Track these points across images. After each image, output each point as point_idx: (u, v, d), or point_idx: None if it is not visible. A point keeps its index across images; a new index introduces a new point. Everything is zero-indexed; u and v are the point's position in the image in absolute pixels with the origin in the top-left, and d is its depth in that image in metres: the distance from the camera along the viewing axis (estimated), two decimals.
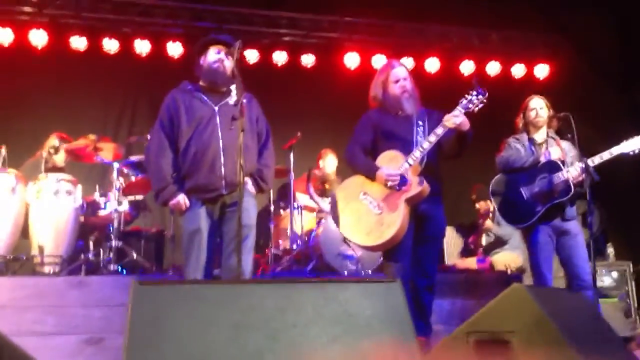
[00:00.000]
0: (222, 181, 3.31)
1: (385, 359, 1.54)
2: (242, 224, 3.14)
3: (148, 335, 1.44)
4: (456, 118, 3.34)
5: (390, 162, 3.47)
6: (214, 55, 3.47)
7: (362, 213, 3.44)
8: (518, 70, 8.09)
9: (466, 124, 3.39)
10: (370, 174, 3.48)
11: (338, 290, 1.68)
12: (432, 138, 3.40)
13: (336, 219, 3.54)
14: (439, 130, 3.40)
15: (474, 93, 3.41)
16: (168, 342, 1.45)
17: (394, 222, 3.31)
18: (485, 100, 3.41)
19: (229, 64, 3.41)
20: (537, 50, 8.06)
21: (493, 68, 8.01)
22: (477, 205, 6.43)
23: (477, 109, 3.41)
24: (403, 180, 3.38)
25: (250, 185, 3.46)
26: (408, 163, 3.41)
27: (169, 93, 3.55)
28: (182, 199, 3.32)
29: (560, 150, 4.07)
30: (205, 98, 3.44)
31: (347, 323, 1.63)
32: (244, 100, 3.09)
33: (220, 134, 3.33)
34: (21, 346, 3.80)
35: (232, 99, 3.31)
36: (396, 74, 3.64)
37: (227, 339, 1.48)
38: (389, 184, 3.39)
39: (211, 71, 3.45)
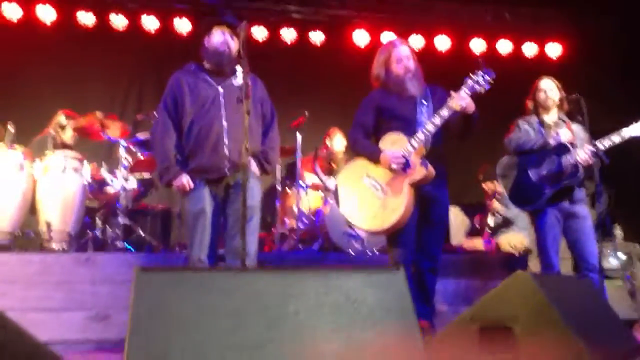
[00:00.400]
0: (226, 162, 3.31)
1: (388, 347, 1.54)
2: (247, 205, 3.20)
3: (150, 321, 1.45)
4: (462, 100, 3.26)
5: (394, 145, 3.40)
6: (218, 36, 3.42)
7: (365, 197, 3.39)
8: (530, 49, 7.96)
9: (471, 106, 3.32)
10: (374, 157, 3.42)
11: (341, 279, 1.67)
12: (437, 120, 3.31)
13: (339, 203, 3.51)
14: (444, 112, 3.30)
15: (480, 73, 3.31)
16: (170, 329, 1.46)
17: (398, 206, 3.27)
18: (492, 82, 3.31)
19: (234, 45, 3.39)
20: (550, 28, 7.91)
21: (504, 46, 7.89)
22: (484, 186, 6.40)
23: (483, 90, 3.31)
24: (407, 163, 3.33)
25: (254, 167, 3.46)
26: (412, 145, 3.33)
27: (173, 74, 3.53)
28: (185, 179, 3.31)
29: (570, 132, 4.02)
30: (210, 79, 3.42)
31: (350, 311, 1.62)
32: (249, 82, 3.05)
33: (224, 114, 3.32)
34: (29, 321, 3.86)
35: (237, 80, 3.30)
36: (399, 53, 3.54)
37: (228, 326, 1.48)
38: (394, 166, 3.33)
39: (216, 53, 3.40)
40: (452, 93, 3.33)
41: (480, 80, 3.30)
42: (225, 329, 1.47)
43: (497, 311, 1.95)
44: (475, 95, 3.34)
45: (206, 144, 3.31)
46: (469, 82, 3.32)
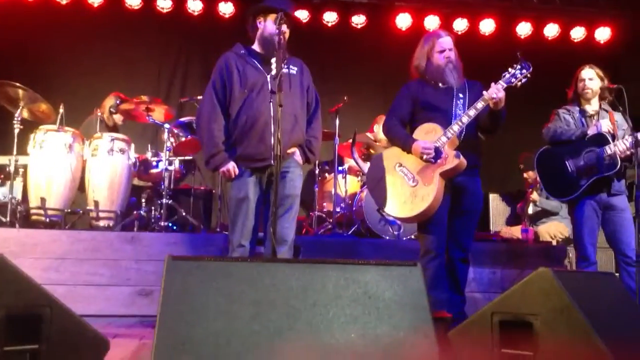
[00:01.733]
0: (271, 151, 3.22)
1: (401, 342, 1.61)
2: (287, 194, 3.31)
3: (177, 306, 1.56)
4: (496, 92, 3.28)
5: (427, 135, 3.45)
6: (274, 26, 3.28)
7: (397, 184, 3.46)
8: (577, 34, 7.73)
9: (502, 102, 3.33)
10: (406, 146, 3.47)
11: (359, 272, 1.75)
12: (472, 112, 3.36)
13: (371, 190, 3.57)
14: (479, 105, 3.35)
15: (518, 67, 3.34)
16: (195, 315, 1.57)
17: (427, 195, 3.32)
18: (529, 75, 3.34)
19: (287, 35, 3.37)
20: (600, 10, 7.64)
21: (551, 30, 7.69)
22: (525, 175, 6.33)
23: (520, 83, 3.35)
24: (438, 154, 3.37)
25: (297, 155, 3.47)
26: (446, 137, 3.38)
27: (222, 56, 3.49)
28: (232, 166, 3.34)
29: (611, 123, 3.95)
30: (259, 65, 3.40)
31: (366, 304, 1.69)
32: (294, 69, 3.07)
33: (271, 103, 3.27)
34: (78, 295, 4.08)
35: (288, 69, 3.31)
36: (442, 43, 3.57)
37: (249, 315, 1.58)
38: (424, 157, 3.38)
39: (273, 41, 3.26)
40: (492, 85, 3.34)
41: (517, 73, 3.34)
42: (246, 316, 1.58)
43: (518, 307, 1.98)
44: (511, 88, 3.35)
45: (253, 133, 3.32)
46: (507, 75, 3.35)
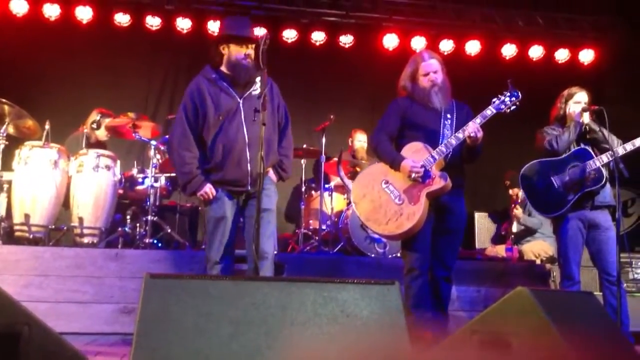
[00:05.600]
0: (249, 177, 3.38)
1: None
2: (264, 208, 3.29)
3: (155, 326, 1.56)
4: (478, 133, 3.38)
5: (415, 154, 3.48)
6: (239, 48, 3.41)
7: (382, 201, 3.48)
8: (562, 55, 7.88)
9: (479, 140, 3.41)
10: (395, 163, 3.49)
11: (337, 290, 1.76)
12: (460, 135, 3.41)
13: (356, 205, 3.59)
14: (467, 131, 3.41)
15: (508, 94, 3.44)
16: (173, 334, 1.57)
17: (413, 214, 3.34)
18: (518, 103, 3.45)
19: (253, 56, 3.39)
20: (584, 33, 7.79)
21: (536, 52, 7.83)
22: (511, 192, 6.38)
23: (509, 111, 3.45)
24: (426, 174, 3.40)
25: (272, 174, 3.57)
26: (433, 157, 3.42)
27: (192, 80, 3.51)
28: (209, 188, 3.39)
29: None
30: (231, 90, 3.45)
31: (344, 323, 1.71)
32: (266, 92, 3.11)
33: (245, 128, 3.36)
34: (61, 312, 4.03)
35: (256, 90, 3.34)
36: (426, 66, 3.60)
37: (227, 334, 1.59)
38: (413, 175, 3.40)
39: (238, 66, 3.40)
40: (469, 124, 3.40)
41: (507, 100, 3.45)
42: (225, 335, 1.58)
43: (497, 325, 2.00)
44: (500, 114, 3.46)
45: (230, 159, 3.38)
46: (496, 101, 3.44)
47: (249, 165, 3.36)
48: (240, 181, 3.39)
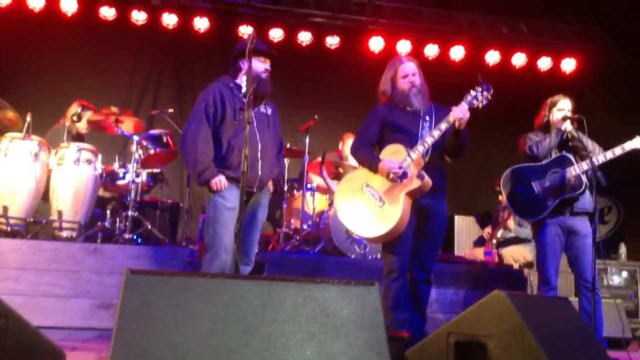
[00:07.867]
0: (257, 181, 3.61)
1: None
2: (260, 219, 3.72)
3: (135, 322, 1.57)
4: (460, 112, 3.38)
5: (393, 156, 3.51)
6: (261, 65, 3.65)
7: (363, 205, 3.50)
8: (544, 63, 7.98)
9: (464, 121, 3.41)
10: (373, 166, 3.52)
11: (317, 290, 1.78)
12: (436, 133, 3.43)
13: (338, 211, 3.62)
14: (443, 126, 3.43)
15: (479, 89, 3.42)
16: (152, 330, 1.57)
17: (393, 214, 3.36)
18: (490, 97, 3.43)
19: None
20: (566, 42, 7.90)
21: (519, 59, 7.92)
22: (500, 197, 6.41)
23: (481, 105, 3.43)
24: (404, 174, 3.43)
25: (271, 186, 3.83)
26: (410, 157, 3.44)
27: (212, 85, 3.67)
28: (223, 178, 3.54)
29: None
30: (243, 103, 3.51)
31: (324, 322, 1.72)
32: (269, 110, 3.50)
33: (258, 137, 3.60)
34: (38, 306, 4.00)
35: (264, 106, 3.63)
36: (404, 69, 3.66)
37: (207, 331, 1.60)
38: (390, 176, 3.43)
39: (260, 80, 3.58)
40: (453, 108, 3.42)
41: (478, 95, 3.42)
42: (204, 331, 1.59)
43: (473, 328, 2.03)
44: (473, 110, 3.44)
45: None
46: (468, 97, 3.44)
47: (260, 170, 3.59)
48: (251, 182, 3.53)
